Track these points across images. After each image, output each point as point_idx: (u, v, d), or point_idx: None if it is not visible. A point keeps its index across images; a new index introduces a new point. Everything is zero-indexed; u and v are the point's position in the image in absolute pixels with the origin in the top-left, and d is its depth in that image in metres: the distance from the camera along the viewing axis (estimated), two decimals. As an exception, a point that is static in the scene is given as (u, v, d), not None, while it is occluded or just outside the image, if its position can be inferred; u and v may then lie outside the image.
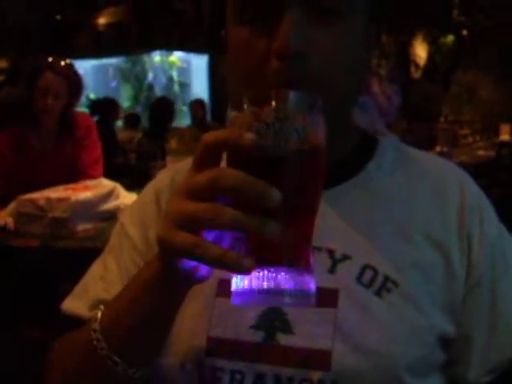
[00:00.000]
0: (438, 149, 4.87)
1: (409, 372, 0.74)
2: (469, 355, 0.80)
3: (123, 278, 0.83)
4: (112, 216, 2.42)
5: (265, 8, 0.73)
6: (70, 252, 2.17)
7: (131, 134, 6.47)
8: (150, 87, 11.89)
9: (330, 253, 0.78)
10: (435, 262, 0.79)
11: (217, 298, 0.78)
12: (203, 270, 0.62)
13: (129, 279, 0.73)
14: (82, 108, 4.72)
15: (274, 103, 0.55)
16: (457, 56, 10.68)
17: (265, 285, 0.55)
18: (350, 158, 0.85)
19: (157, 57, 11.80)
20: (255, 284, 0.55)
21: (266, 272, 0.55)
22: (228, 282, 0.59)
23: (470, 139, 7.92)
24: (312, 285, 0.57)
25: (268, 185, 0.53)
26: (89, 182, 2.65)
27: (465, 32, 10.58)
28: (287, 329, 0.75)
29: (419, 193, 0.84)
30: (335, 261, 0.78)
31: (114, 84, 12.20)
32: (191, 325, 0.78)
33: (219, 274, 0.64)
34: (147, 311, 0.67)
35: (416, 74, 10.85)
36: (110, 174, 2.97)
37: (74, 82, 2.92)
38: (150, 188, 0.94)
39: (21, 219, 2.37)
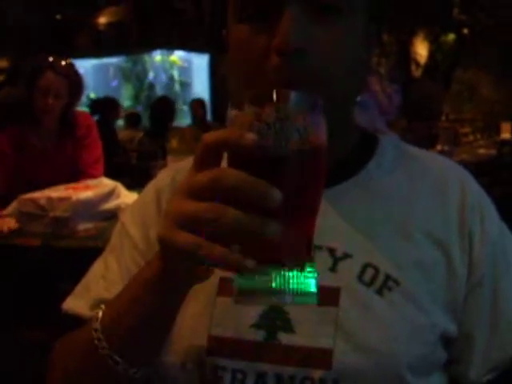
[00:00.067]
0: (438, 147, 4.86)
1: (410, 370, 0.74)
2: (470, 354, 0.80)
3: (124, 277, 0.83)
4: (113, 215, 2.41)
5: (264, 5, 0.73)
6: (70, 251, 2.17)
7: (132, 133, 6.46)
8: (151, 87, 11.89)
9: (331, 251, 0.78)
10: (436, 261, 0.79)
11: (218, 296, 0.78)
12: (204, 268, 0.62)
13: (130, 278, 0.73)
14: (82, 107, 4.72)
15: (274, 103, 0.55)
16: (457, 54, 10.67)
17: (266, 285, 0.55)
18: (350, 156, 0.85)
19: (157, 56, 11.80)
20: (257, 283, 0.55)
21: (267, 271, 0.55)
22: (229, 281, 0.59)
23: (471, 138, 7.92)
24: (314, 284, 0.57)
25: (269, 185, 0.53)
26: (90, 182, 2.64)
27: (465, 30, 10.58)
28: (288, 328, 0.75)
29: (420, 191, 0.84)
30: (336, 259, 0.78)
31: (114, 83, 12.20)
32: (192, 324, 0.78)
33: (220, 272, 0.64)
34: (148, 310, 0.67)
35: (417, 73, 10.85)
36: (110, 174, 2.97)
37: (75, 82, 2.92)
38: (150, 187, 0.94)
39: (22, 218, 2.37)
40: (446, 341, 0.79)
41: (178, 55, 11.76)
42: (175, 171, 0.92)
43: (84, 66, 9.51)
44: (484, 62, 10.13)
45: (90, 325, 0.72)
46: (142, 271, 0.69)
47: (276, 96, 0.55)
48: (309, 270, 0.57)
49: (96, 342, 0.70)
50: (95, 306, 0.80)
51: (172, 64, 11.83)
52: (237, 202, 0.54)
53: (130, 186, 2.70)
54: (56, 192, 2.41)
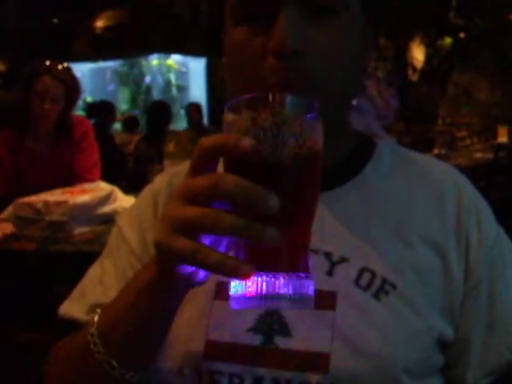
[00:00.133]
0: (435, 151, 4.88)
1: (407, 374, 0.74)
2: (467, 357, 0.80)
3: (120, 281, 0.82)
4: (110, 219, 2.41)
5: (261, 7, 0.73)
6: (67, 255, 2.17)
7: (128, 137, 6.46)
8: (148, 90, 11.90)
9: (328, 255, 0.78)
10: (433, 265, 0.79)
11: (215, 301, 0.78)
12: (200, 273, 0.61)
13: (126, 283, 0.73)
14: (78, 111, 4.72)
15: (270, 107, 0.55)
16: (454, 58, 10.70)
17: (263, 289, 0.55)
18: (347, 160, 0.85)
19: (154, 60, 11.82)
20: (254, 289, 0.55)
21: (264, 277, 0.55)
22: (226, 285, 0.59)
23: (468, 141, 7.94)
24: (311, 288, 0.57)
25: (267, 191, 0.52)
26: (86, 186, 2.64)
27: (462, 34, 10.61)
28: (285, 332, 0.75)
29: (416, 195, 0.84)
30: (333, 263, 0.77)
31: (111, 87, 12.22)
32: (189, 328, 0.78)
33: (216, 277, 0.64)
34: (144, 315, 0.66)
35: (413, 77, 10.87)
36: (107, 177, 2.96)
37: (72, 87, 2.92)
38: (147, 191, 0.93)
39: (18, 223, 2.37)
40: (443, 345, 0.79)
41: (174, 59, 11.78)
42: (172, 175, 0.92)
43: (81, 69, 9.53)
44: (481, 65, 10.16)
45: (86, 329, 0.72)
46: (138, 275, 0.68)
47: (272, 100, 0.55)
48: (305, 274, 0.57)
49: (92, 346, 0.70)
50: (91, 310, 0.80)
51: (169, 68, 11.84)
52: (234, 207, 0.54)
53: (126, 190, 2.70)
54: (53, 196, 2.40)
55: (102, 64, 12.04)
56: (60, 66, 2.89)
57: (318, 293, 0.59)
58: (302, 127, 0.55)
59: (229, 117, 0.57)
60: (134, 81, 12.16)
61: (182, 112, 9.07)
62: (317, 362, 0.73)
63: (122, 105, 11.65)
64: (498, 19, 9.58)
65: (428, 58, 10.92)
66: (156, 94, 11.40)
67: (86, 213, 2.38)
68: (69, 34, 11.51)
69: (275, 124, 0.54)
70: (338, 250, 0.78)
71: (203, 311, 0.78)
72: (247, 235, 0.53)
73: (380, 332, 0.74)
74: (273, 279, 0.55)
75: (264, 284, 0.55)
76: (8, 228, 2.38)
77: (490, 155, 5.88)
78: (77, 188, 2.59)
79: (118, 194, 2.60)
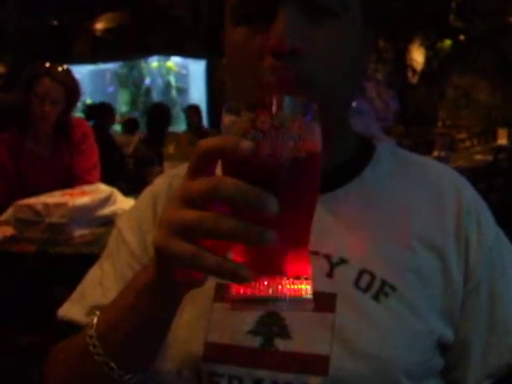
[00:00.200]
0: (435, 153, 4.88)
1: (407, 376, 0.74)
2: (467, 360, 0.80)
3: (120, 283, 0.82)
4: (109, 221, 2.41)
5: (260, 7, 0.74)
6: (67, 257, 2.17)
7: (128, 138, 6.46)
8: (148, 92, 11.90)
9: (327, 257, 0.78)
10: (433, 267, 0.79)
11: (214, 302, 0.78)
12: (199, 276, 0.61)
13: (125, 284, 0.73)
14: (77, 113, 4.71)
15: (269, 109, 0.55)
16: (454, 61, 10.71)
17: (263, 292, 0.55)
18: (347, 162, 0.85)
19: (154, 62, 11.82)
20: (253, 291, 0.55)
21: (263, 279, 0.55)
22: (225, 287, 0.59)
23: (468, 143, 7.94)
24: (310, 291, 0.57)
25: (266, 193, 0.52)
26: (86, 187, 2.64)
27: (462, 37, 10.61)
28: (285, 334, 0.75)
29: (416, 197, 0.84)
30: (332, 265, 0.77)
31: (111, 89, 12.21)
32: (188, 330, 0.78)
33: (216, 278, 0.63)
34: (143, 317, 0.66)
35: (413, 79, 10.88)
36: (107, 179, 2.96)
37: (71, 89, 2.92)
38: (147, 193, 0.93)
39: (18, 225, 2.36)
40: (443, 347, 0.79)
41: (174, 61, 11.78)
42: (172, 177, 0.92)
43: (81, 71, 9.53)
44: (480, 67, 10.17)
45: (85, 331, 0.72)
46: (138, 277, 0.68)
47: (271, 102, 0.55)
48: (304, 276, 0.57)
49: (91, 348, 0.70)
50: (91, 312, 0.80)
51: (169, 70, 11.84)
52: (233, 210, 0.54)
53: (126, 192, 2.69)
54: (52, 198, 2.40)
55: (101, 66, 12.04)
56: (60, 68, 2.90)
57: (318, 295, 0.59)
58: (301, 129, 0.55)
59: (227, 119, 0.57)
60: (133, 83, 12.16)
61: (182, 114, 9.08)
62: (316, 364, 0.73)
63: (122, 107, 11.64)
64: (498, 21, 9.59)
65: (428, 61, 10.93)
66: (156, 96, 11.40)
67: (85, 215, 2.38)
68: (69, 35, 11.51)
69: (274, 126, 0.54)
70: (338, 252, 0.78)
71: (203, 313, 0.78)
72: (246, 238, 0.53)
73: (380, 334, 0.74)
74: (272, 282, 0.55)
75: (263, 286, 0.55)
76: (8, 230, 2.38)
77: (489, 157, 5.88)
78: (76, 190, 2.58)
79: (118, 195, 2.59)
